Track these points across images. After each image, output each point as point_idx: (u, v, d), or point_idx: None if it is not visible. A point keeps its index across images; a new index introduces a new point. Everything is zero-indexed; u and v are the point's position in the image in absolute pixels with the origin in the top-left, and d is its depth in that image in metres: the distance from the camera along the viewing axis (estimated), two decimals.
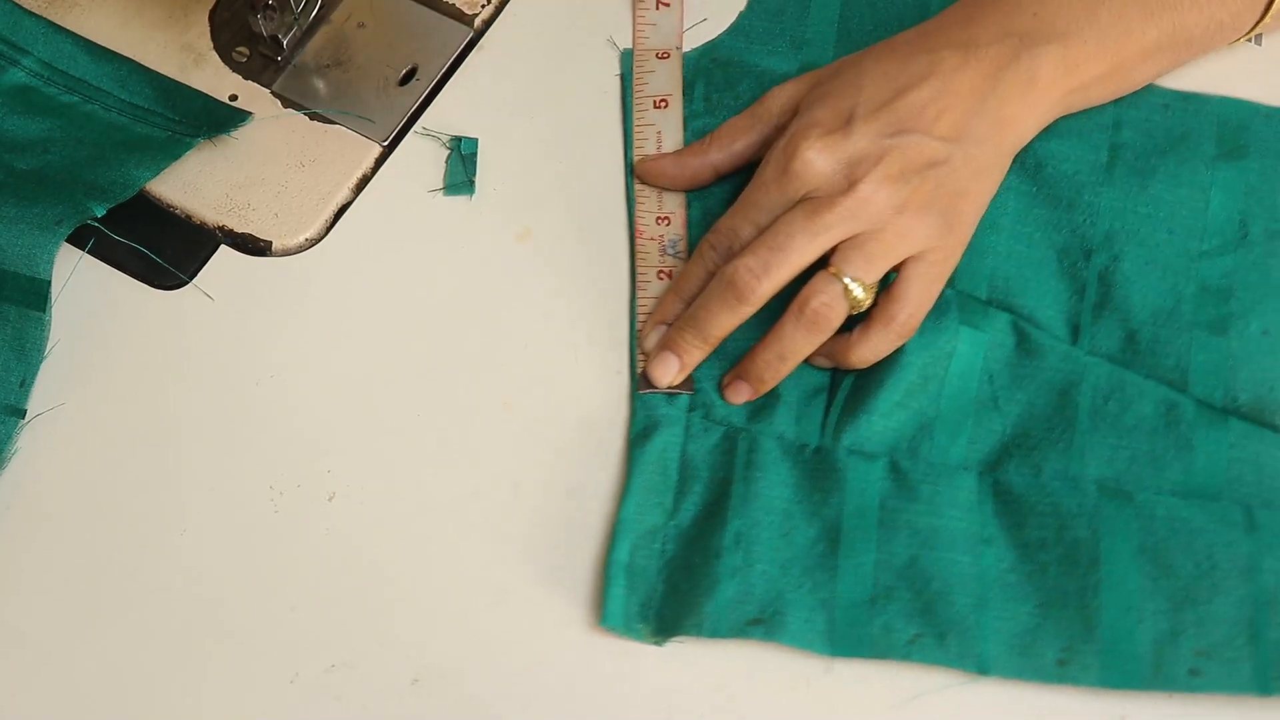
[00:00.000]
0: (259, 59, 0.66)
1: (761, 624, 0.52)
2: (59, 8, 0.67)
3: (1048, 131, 0.59)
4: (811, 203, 0.54)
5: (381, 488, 0.56)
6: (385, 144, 0.64)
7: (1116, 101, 0.61)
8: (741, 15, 0.65)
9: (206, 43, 0.66)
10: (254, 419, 0.57)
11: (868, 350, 0.55)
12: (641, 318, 0.59)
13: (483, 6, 0.67)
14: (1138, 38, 0.57)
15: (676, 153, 0.61)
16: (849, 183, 0.54)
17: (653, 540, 0.54)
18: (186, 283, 0.60)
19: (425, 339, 0.59)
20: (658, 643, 0.53)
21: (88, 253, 0.60)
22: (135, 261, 0.61)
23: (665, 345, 0.57)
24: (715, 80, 0.64)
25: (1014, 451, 0.55)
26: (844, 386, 0.56)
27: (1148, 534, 0.53)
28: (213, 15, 0.67)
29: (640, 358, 0.58)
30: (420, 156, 0.63)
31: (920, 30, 0.59)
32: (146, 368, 0.59)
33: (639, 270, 0.60)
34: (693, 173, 0.61)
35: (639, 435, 0.56)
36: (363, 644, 0.53)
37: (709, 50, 0.65)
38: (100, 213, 0.59)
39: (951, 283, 0.57)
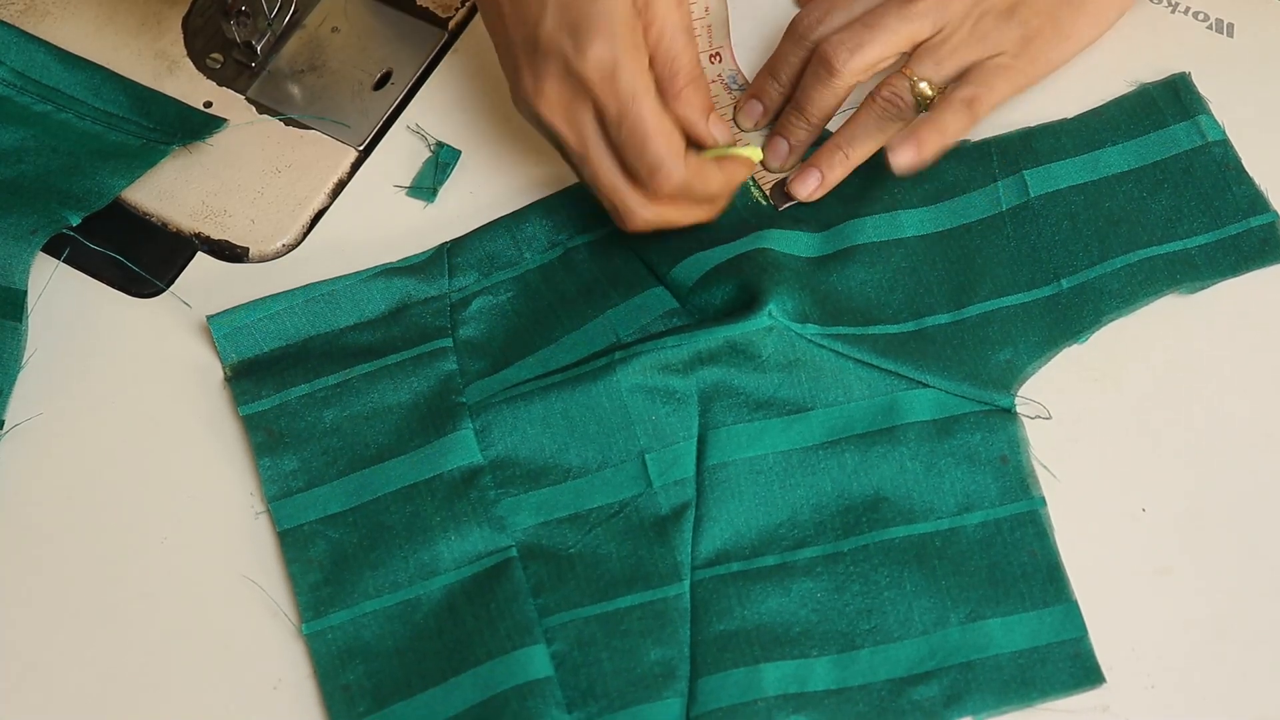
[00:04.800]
0: (233, 65, 0.66)
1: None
2: (31, 17, 0.67)
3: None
4: None
5: None
6: (361, 148, 0.64)
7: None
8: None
9: (180, 49, 0.66)
10: (234, 425, 0.57)
11: (935, 126, 0.58)
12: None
13: (456, 9, 0.67)
14: None
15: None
16: None
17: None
18: (164, 290, 0.60)
19: None
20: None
21: (64, 262, 0.60)
22: (112, 270, 0.60)
23: (774, 133, 0.61)
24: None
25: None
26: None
27: None
28: (186, 22, 0.67)
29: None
30: (396, 161, 0.63)
31: None
32: (124, 376, 0.58)
33: (720, 110, 0.61)
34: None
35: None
36: None
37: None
38: (75, 221, 0.59)
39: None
